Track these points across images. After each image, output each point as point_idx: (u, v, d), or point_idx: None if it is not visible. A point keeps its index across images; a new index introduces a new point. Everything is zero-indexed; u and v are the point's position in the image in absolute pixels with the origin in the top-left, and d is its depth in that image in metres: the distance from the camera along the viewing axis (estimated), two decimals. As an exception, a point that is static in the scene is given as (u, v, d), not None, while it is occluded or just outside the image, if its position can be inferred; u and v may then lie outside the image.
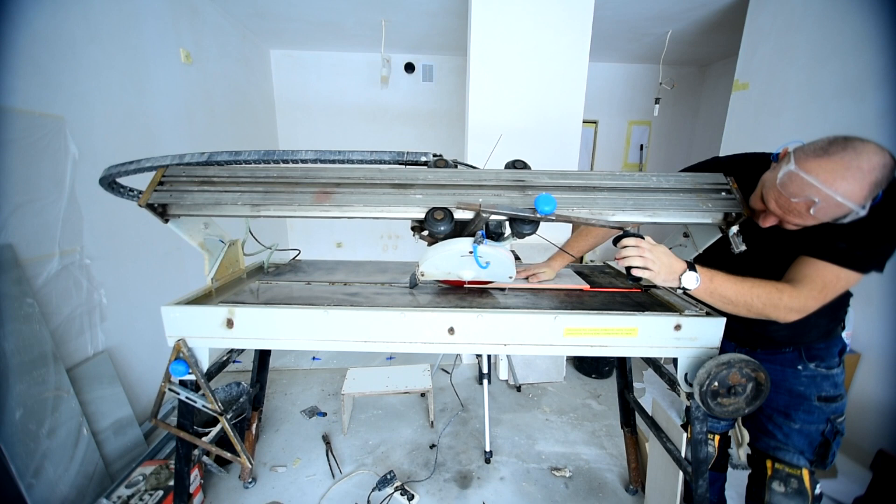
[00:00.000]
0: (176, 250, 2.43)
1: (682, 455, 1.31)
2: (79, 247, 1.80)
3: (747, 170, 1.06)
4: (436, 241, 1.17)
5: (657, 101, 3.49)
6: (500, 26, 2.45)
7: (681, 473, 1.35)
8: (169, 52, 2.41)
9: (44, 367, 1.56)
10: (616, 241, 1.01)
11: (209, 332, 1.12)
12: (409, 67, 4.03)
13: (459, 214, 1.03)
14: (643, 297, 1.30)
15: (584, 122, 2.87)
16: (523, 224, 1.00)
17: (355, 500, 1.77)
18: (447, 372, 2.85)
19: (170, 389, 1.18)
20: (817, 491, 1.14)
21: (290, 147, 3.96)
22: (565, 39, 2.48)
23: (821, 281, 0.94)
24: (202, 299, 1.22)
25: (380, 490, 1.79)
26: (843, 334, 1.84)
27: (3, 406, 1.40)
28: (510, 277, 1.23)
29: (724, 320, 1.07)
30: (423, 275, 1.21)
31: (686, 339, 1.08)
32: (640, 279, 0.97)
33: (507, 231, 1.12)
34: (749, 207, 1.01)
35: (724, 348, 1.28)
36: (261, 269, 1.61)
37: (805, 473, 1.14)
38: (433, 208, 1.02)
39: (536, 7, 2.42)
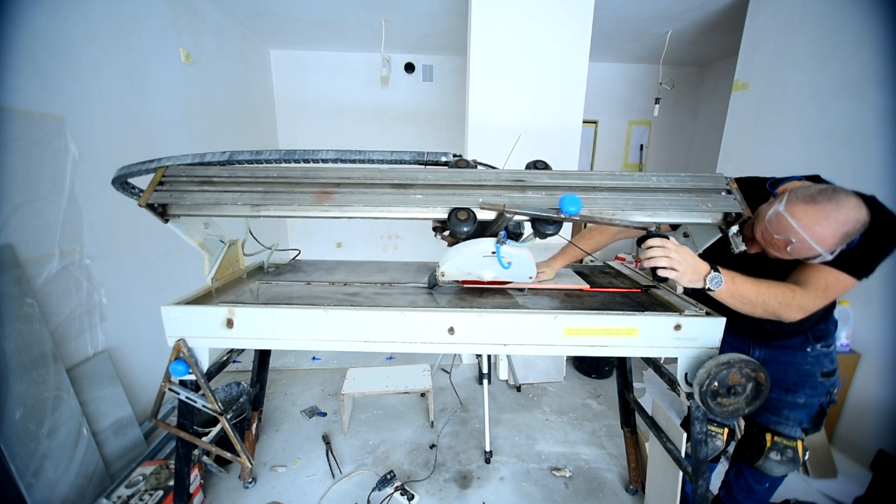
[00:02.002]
0: (176, 250, 2.43)
1: (682, 455, 1.31)
2: (79, 247, 1.80)
3: (743, 193, 1.08)
4: (457, 242, 1.17)
5: (657, 101, 3.49)
6: (500, 26, 2.45)
7: (681, 473, 1.35)
8: (169, 53, 2.41)
9: (44, 367, 1.56)
10: (640, 241, 1.03)
11: (209, 332, 1.12)
12: (409, 67, 4.03)
13: (480, 215, 1.03)
14: (643, 297, 1.30)
15: (584, 122, 2.87)
16: (547, 224, 0.99)
17: (355, 500, 1.77)
18: (447, 372, 2.86)
19: (170, 389, 1.18)
20: (806, 457, 1.29)
21: (290, 147, 3.96)
22: (565, 39, 2.48)
23: (823, 282, 1.02)
24: (202, 299, 1.22)
25: (380, 490, 1.79)
26: (843, 335, 1.90)
27: (3, 406, 1.40)
28: (530, 278, 1.23)
29: (723, 320, 1.07)
30: (443, 275, 1.21)
31: (686, 339, 1.08)
32: (665, 280, 0.99)
33: (526, 231, 1.12)
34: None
35: (737, 346, 1.32)
36: (261, 269, 1.61)
37: (799, 444, 1.27)
38: (456, 208, 1.01)
39: (536, 7, 2.42)
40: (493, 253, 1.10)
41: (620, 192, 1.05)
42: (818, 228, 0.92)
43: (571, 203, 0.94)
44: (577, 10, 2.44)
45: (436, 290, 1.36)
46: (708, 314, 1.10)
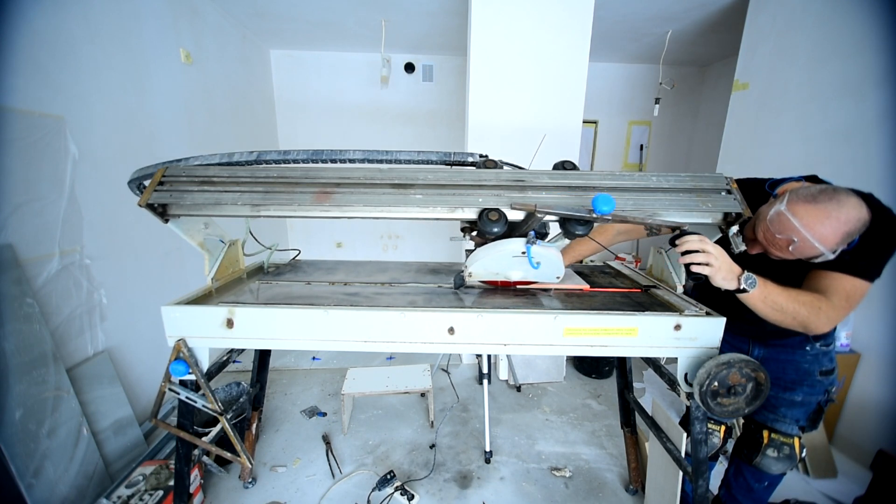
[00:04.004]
0: (176, 250, 2.43)
1: (682, 455, 1.31)
2: (79, 247, 1.80)
3: (742, 195, 1.08)
4: (484, 242, 1.17)
5: (657, 101, 3.49)
6: (500, 26, 2.45)
7: (681, 473, 1.35)
8: (169, 52, 2.41)
9: (44, 367, 1.56)
10: (673, 240, 1.03)
11: (209, 332, 1.12)
12: (409, 67, 4.03)
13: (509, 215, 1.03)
14: (643, 297, 1.30)
15: (584, 122, 2.87)
16: (577, 224, 0.98)
17: (355, 500, 1.77)
18: (447, 372, 2.85)
19: (170, 389, 1.18)
20: (803, 454, 1.29)
21: (290, 146, 3.96)
22: (565, 39, 2.48)
23: (843, 291, 1.01)
24: (202, 299, 1.22)
25: (380, 490, 1.79)
26: (843, 335, 1.90)
27: (3, 406, 1.40)
28: (557, 277, 1.23)
29: (723, 320, 1.07)
30: (470, 275, 1.21)
31: (686, 339, 1.08)
32: (700, 278, 0.99)
33: (550, 231, 1.12)
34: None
35: (737, 345, 1.32)
36: (261, 269, 1.61)
37: (796, 441, 1.27)
38: (486, 209, 1.01)
39: (536, 7, 2.42)
40: (523, 253, 1.10)
41: (620, 192, 1.05)
42: (820, 227, 0.92)
43: (605, 203, 0.92)
44: (577, 10, 2.44)
45: (461, 290, 1.35)
46: (708, 314, 1.09)
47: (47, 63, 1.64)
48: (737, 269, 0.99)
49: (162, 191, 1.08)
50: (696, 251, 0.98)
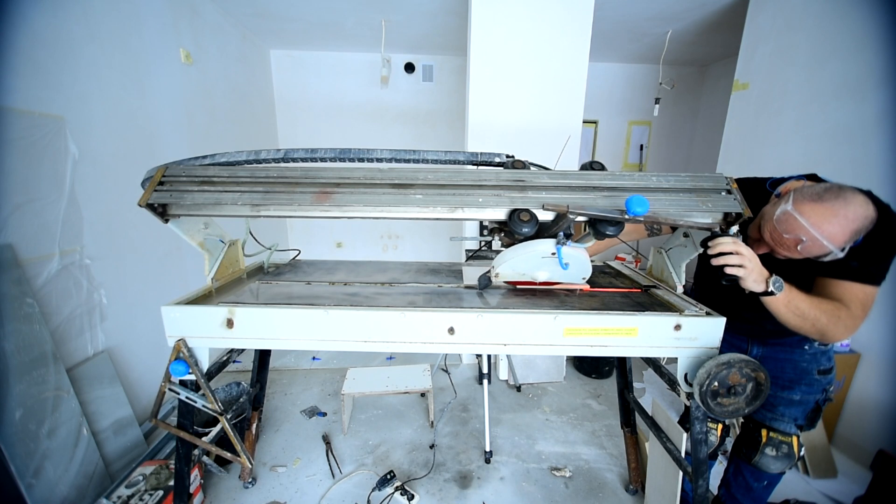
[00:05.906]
0: (176, 250, 2.43)
1: (682, 455, 1.31)
2: (79, 247, 1.80)
3: (743, 194, 1.08)
4: (512, 243, 1.17)
5: (657, 101, 3.49)
6: (500, 26, 2.45)
7: (680, 473, 1.35)
8: (169, 52, 2.41)
9: (44, 367, 1.56)
10: (704, 242, 1.04)
11: (209, 332, 1.12)
12: (409, 67, 4.03)
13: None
14: (643, 297, 1.30)
15: (584, 122, 2.87)
16: (608, 225, 0.98)
17: (355, 500, 1.77)
18: (447, 372, 2.86)
19: (170, 389, 1.18)
20: (801, 453, 1.29)
21: (290, 146, 3.95)
22: (565, 39, 2.48)
23: (857, 300, 1.02)
24: (202, 299, 1.22)
25: (380, 490, 1.79)
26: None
27: (3, 406, 1.40)
28: (583, 278, 1.23)
29: (723, 320, 1.07)
30: (497, 276, 1.21)
31: (686, 339, 1.08)
32: (733, 280, 1.00)
33: (573, 231, 1.12)
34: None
35: (735, 343, 1.32)
36: (261, 269, 1.61)
37: (794, 440, 1.27)
38: (517, 209, 1.01)
39: (536, 7, 2.42)
40: (553, 254, 1.10)
41: (620, 192, 1.05)
42: (828, 226, 0.92)
43: (639, 204, 0.91)
44: (577, 10, 2.44)
45: (486, 291, 1.34)
46: (708, 314, 1.09)
47: (47, 63, 1.64)
48: (765, 272, 1.00)
49: (162, 191, 1.08)
50: (730, 253, 0.98)
